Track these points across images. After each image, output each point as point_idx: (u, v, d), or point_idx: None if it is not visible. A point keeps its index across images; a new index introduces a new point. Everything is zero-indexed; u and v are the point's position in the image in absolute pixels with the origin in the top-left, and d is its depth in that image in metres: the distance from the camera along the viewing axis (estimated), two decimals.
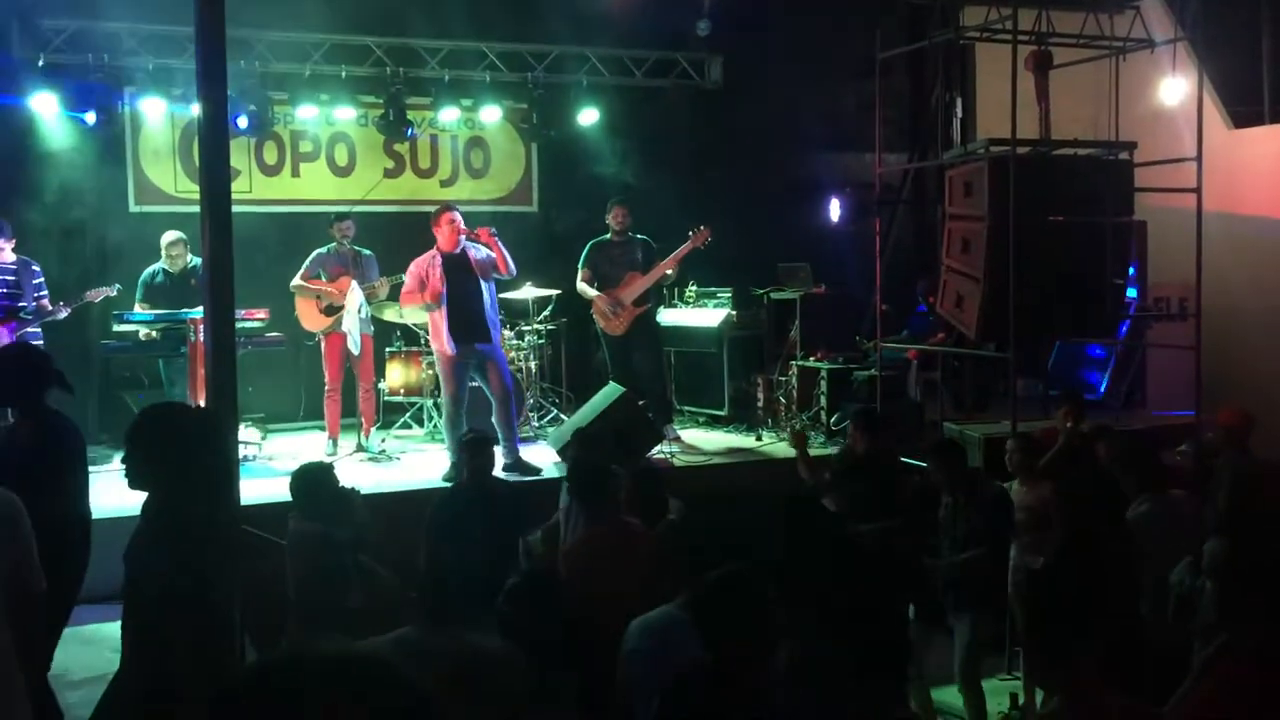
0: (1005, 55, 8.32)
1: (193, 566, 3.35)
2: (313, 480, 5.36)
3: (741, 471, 8.33)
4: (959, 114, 11.48)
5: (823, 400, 9.33)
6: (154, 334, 8.16)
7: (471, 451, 5.86)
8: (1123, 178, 8.51)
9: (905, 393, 9.28)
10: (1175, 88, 9.73)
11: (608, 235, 9.08)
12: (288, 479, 5.41)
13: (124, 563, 3.55)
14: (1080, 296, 8.29)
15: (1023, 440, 6.32)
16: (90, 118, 8.87)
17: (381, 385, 9.20)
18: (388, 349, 9.39)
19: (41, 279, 8.11)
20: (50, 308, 8.03)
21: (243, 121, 9.10)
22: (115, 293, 8.27)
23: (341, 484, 5.36)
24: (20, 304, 7.92)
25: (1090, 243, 8.22)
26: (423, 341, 9.34)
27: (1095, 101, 9.20)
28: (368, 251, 8.88)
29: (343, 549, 5.18)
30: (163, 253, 8.58)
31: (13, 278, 7.95)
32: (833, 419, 9.13)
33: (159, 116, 9.42)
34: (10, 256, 7.98)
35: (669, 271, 9.04)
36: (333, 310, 8.65)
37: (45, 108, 8.78)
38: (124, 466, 3.43)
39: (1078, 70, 9.22)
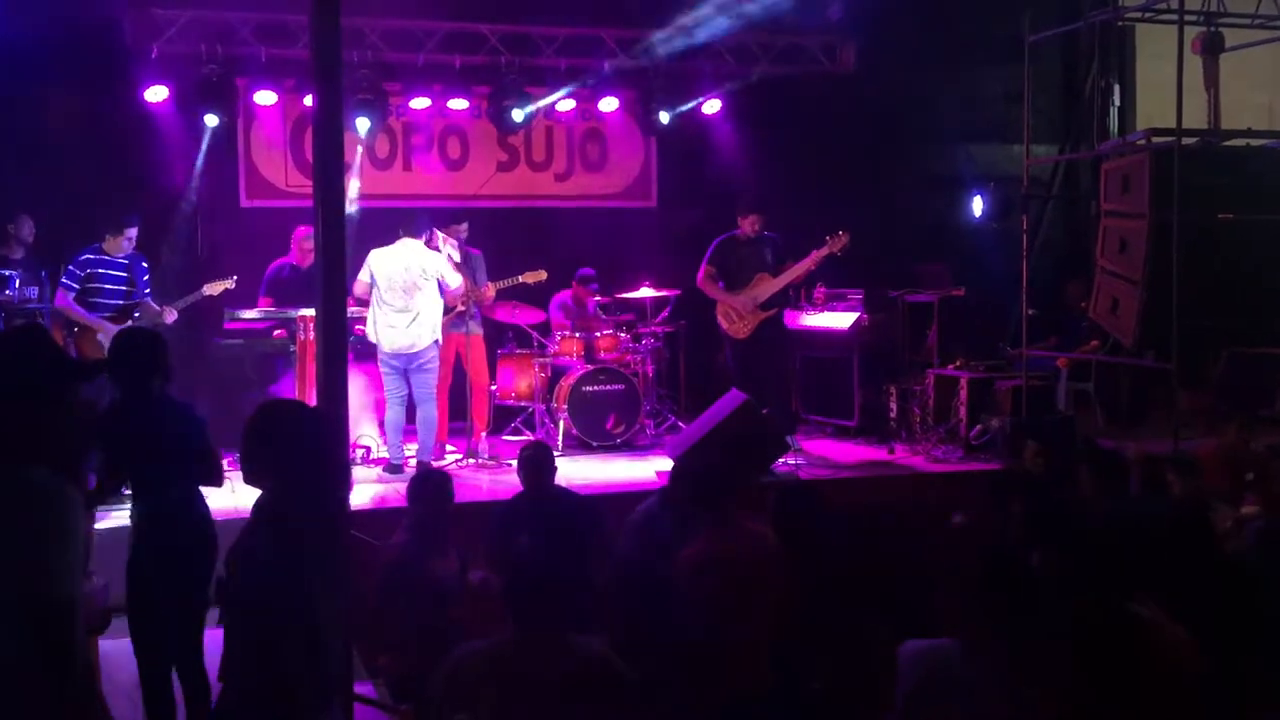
0: (1170, 37, 8.11)
1: (293, 574, 3.39)
2: (430, 490, 5.50)
3: (871, 486, 8.24)
4: (1116, 102, 11.22)
5: (962, 412, 9.18)
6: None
7: (529, 464, 5.99)
8: None
9: (1054, 405, 9.08)
10: None
11: (736, 232, 9.05)
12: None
13: (224, 563, 3.67)
14: (1253, 302, 8.04)
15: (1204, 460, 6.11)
16: (211, 120, 9.20)
17: (492, 388, 9.34)
18: (499, 351, 9.54)
19: (148, 276, 8.20)
20: (156, 308, 8.11)
21: (363, 124, 9.32)
22: (234, 284, 8.40)
23: None
24: (134, 301, 8.04)
25: (1264, 242, 7.98)
26: (535, 344, 9.49)
27: (1272, 87, 8.94)
28: (476, 251, 9.03)
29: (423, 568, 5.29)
30: (295, 247, 8.89)
31: (125, 274, 8.04)
32: (972, 433, 8.98)
33: (271, 109, 9.73)
34: (123, 251, 7.98)
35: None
36: (445, 311, 8.80)
37: (158, 100, 9.14)
38: (240, 460, 3.55)
39: (1251, 53, 8.94)
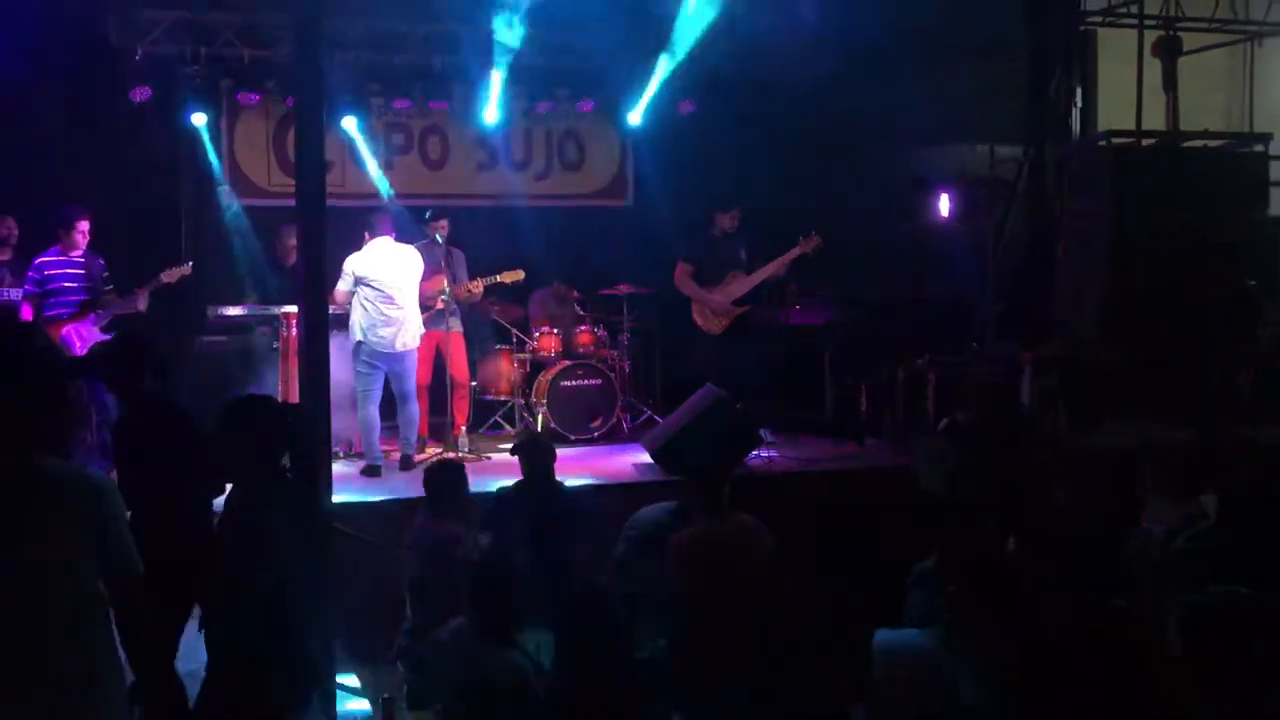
0: (1130, 40, 8.32)
1: (271, 566, 3.50)
2: (450, 478, 5.68)
3: (842, 479, 8.41)
4: (1079, 103, 11.40)
5: (930, 407, 9.36)
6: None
7: (525, 454, 6.11)
8: (1257, 171, 8.48)
9: (1019, 400, 9.27)
10: None
11: (711, 229, 9.25)
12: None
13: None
14: (1211, 298, 8.26)
15: (1175, 453, 6.28)
16: (195, 120, 9.37)
17: (473, 384, 9.48)
18: (478, 346, 9.68)
19: (107, 274, 8.21)
20: (120, 300, 8.13)
21: (349, 122, 9.52)
22: (190, 270, 8.38)
23: None
24: (93, 298, 8.10)
25: (1222, 241, 8.19)
26: (514, 340, 9.66)
27: (1228, 90, 9.13)
28: (457, 250, 9.18)
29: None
30: (279, 245, 9.02)
31: (81, 271, 8.10)
32: (940, 427, 9.15)
33: (254, 109, 9.86)
34: (79, 247, 8.07)
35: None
36: (424, 309, 8.95)
37: (142, 100, 9.26)
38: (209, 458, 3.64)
39: (1209, 56, 9.13)
